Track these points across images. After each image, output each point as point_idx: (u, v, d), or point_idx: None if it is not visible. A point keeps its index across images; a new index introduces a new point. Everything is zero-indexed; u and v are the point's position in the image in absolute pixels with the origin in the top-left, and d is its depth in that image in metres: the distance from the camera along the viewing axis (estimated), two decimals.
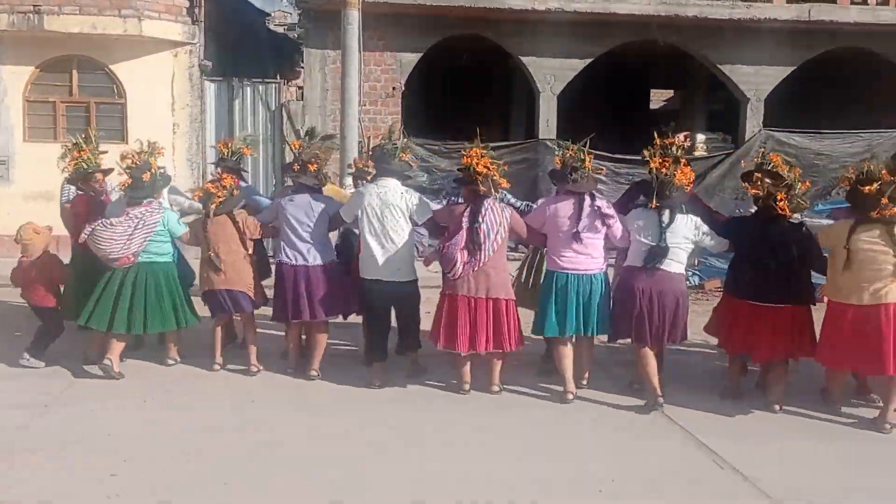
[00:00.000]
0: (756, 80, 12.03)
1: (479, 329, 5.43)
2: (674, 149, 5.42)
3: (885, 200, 4.95)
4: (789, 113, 12.84)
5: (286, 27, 17.84)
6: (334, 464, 4.37)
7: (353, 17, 9.99)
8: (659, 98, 20.08)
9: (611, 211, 5.47)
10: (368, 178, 6.42)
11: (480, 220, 5.35)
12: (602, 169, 9.01)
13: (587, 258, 5.46)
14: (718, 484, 4.28)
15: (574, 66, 11.72)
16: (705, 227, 5.40)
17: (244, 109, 11.33)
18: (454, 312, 5.44)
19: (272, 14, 18.21)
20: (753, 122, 12.11)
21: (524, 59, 11.71)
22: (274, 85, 11.42)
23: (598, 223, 5.44)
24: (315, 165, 5.93)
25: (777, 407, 5.35)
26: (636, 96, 18.85)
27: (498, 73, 15.97)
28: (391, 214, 5.60)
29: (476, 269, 5.39)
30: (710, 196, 10.98)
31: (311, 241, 5.81)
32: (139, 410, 5.23)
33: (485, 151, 5.42)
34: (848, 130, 12.28)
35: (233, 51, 12.60)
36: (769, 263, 5.26)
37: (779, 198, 5.22)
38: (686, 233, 5.34)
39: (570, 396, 5.49)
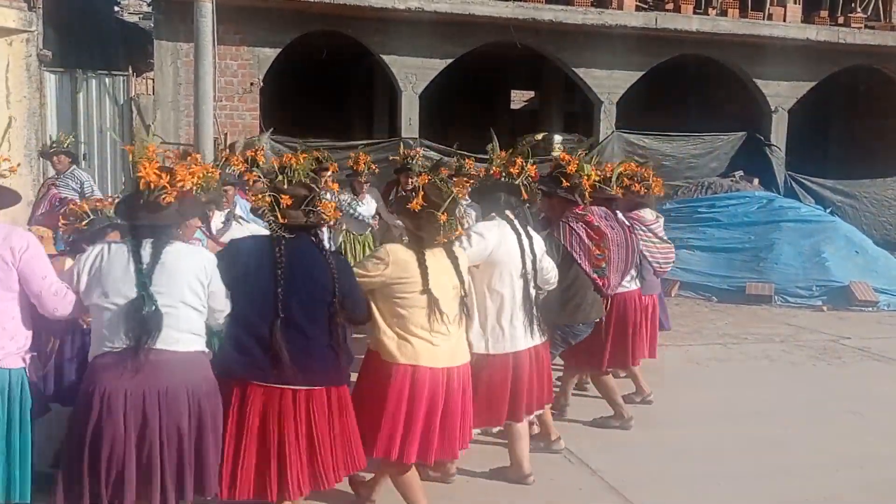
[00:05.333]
0: (609, 83, 12.52)
1: None
2: None
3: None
4: (639, 115, 13.48)
5: (141, 16, 16.97)
6: None
7: (207, 8, 9.56)
8: (521, 99, 20.58)
9: (24, 240, 2.94)
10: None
11: None
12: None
13: None
14: None
15: (435, 65, 11.78)
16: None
17: (89, 103, 10.69)
18: None
19: (126, 2, 17.28)
20: (606, 124, 12.60)
21: (385, 58, 11.66)
22: (122, 77, 10.83)
23: None
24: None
25: None
26: (498, 97, 19.24)
27: (361, 71, 15.87)
28: None
29: None
30: None
31: None
32: None
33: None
34: (692, 133, 13.05)
35: (77, 40, 11.84)
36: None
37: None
38: (196, 272, 3.04)
39: None
